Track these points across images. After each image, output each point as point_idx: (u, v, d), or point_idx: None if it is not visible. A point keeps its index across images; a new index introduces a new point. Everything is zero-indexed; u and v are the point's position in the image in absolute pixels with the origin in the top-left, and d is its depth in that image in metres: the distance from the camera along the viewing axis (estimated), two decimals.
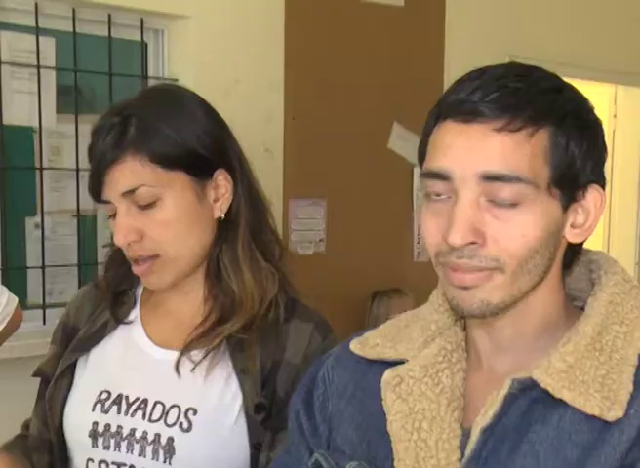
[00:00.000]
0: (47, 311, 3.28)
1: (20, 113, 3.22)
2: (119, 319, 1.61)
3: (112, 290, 1.63)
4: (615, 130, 5.46)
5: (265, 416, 1.49)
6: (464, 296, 1.07)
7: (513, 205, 1.02)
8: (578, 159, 1.04)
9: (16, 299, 2.35)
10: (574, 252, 1.13)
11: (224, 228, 1.54)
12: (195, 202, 1.49)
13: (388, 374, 1.16)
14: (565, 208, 1.05)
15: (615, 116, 5.54)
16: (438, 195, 1.06)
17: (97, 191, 1.47)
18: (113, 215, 1.49)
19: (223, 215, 1.53)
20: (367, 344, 1.22)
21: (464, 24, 4.46)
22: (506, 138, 1.01)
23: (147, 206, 1.45)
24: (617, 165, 5.42)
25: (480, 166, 1.02)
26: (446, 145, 1.05)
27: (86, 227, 3.40)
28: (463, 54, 4.33)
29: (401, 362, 1.17)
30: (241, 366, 1.49)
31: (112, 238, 1.54)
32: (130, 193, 1.44)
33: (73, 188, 3.32)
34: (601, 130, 1.09)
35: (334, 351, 1.29)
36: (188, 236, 1.49)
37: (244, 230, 1.54)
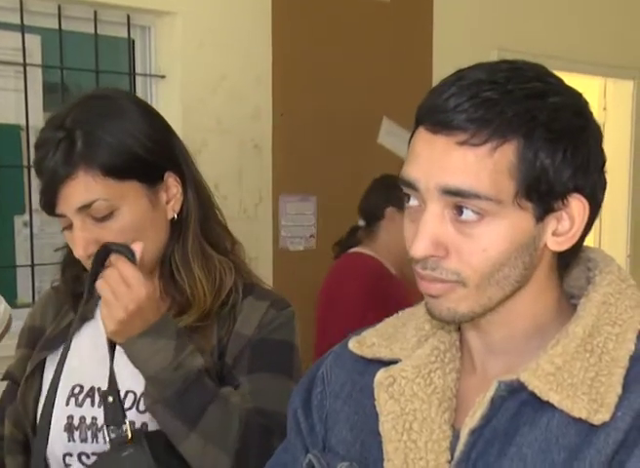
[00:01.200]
0: None
1: (6, 111, 3.22)
2: (84, 318, 1.62)
3: (71, 291, 1.64)
4: (605, 122, 5.46)
5: (217, 383, 1.52)
6: (433, 303, 1.07)
7: (476, 219, 1.01)
8: (550, 169, 1.00)
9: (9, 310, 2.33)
10: (572, 252, 1.10)
11: (176, 228, 1.57)
12: (149, 208, 1.52)
13: (381, 375, 1.15)
14: (540, 218, 1.03)
15: (605, 109, 5.56)
16: (412, 201, 1.06)
17: (50, 206, 1.48)
18: (67, 227, 1.50)
19: (176, 216, 1.56)
20: (364, 343, 1.22)
21: (453, 19, 4.46)
22: (469, 153, 0.99)
23: (104, 218, 1.47)
24: (607, 157, 5.42)
25: (440, 179, 1.01)
26: (415, 154, 1.04)
27: None
28: (452, 48, 4.34)
29: (396, 361, 1.16)
30: (197, 345, 1.52)
31: (67, 246, 1.58)
32: (85, 208, 1.46)
33: None
34: (589, 134, 1.05)
35: (334, 350, 1.28)
36: (146, 242, 1.51)
37: (195, 228, 1.57)
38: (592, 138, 1.05)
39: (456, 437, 1.08)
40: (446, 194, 1.01)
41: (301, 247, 4.00)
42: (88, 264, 1.51)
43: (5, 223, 3.28)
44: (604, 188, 1.09)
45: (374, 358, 1.20)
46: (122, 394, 1.54)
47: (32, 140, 3.24)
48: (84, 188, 1.45)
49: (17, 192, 3.29)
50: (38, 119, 3.28)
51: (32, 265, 3.30)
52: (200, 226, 1.58)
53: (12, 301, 3.28)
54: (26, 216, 3.30)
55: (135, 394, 1.54)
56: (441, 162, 1.01)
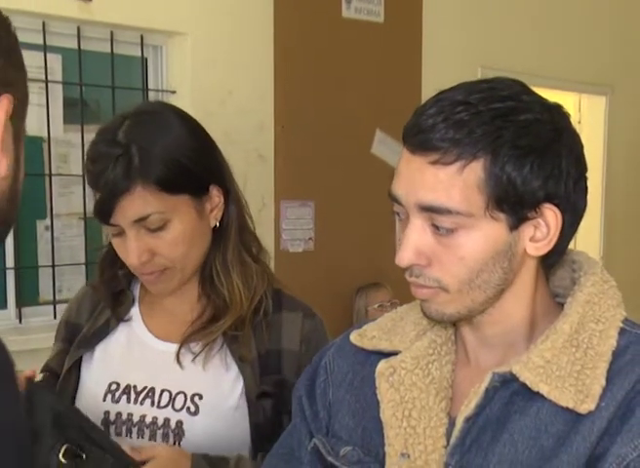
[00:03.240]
0: (57, 306, 3.28)
1: (30, 124, 3.15)
2: (120, 317, 1.61)
3: (110, 291, 1.63)
4: (579, 134, 5.47)
5: (275, 402, 1.52)
6: (424, 305, 1.10)
7: (452, 231, 1.02)
8: (518, 182, 1.00)
9: None
10: (556, 255, 1.10)
11: (217, 236, 1.55)
12: (197, 218, 1.50)
13: (382, 365, 1.16)
14: (514, 227, 1.03)
15: (579, 122, 5.56)
16: (402, 214, 1.07)
17: (106, 216, 1.46)
18: (118, 235, 1.49)
19: (218, 224, 1.55)
20: (365, 336, 1.22)
21: (440, 39, 4.46)
22: (440, 172, 1.00)
23: (157, 229, 1.46)
24: None
25: (416, 197, 1.02)
26: (398, 172, 1.06)
27: (92, 229, 3.39)
28: (439, 65, 4.35)
29: (395, 353, 1.17)
30: (238, 354, 1.52)
31: (106, 247, 1.59)
32: (141, 220, 1.45)
33: (80, 193, 3.32)
34: (561, 145, 1.03)
35: (336, 342, 1.29)
36: (193, 249, 1.51)
37: (235, 237, 1.56)
38: (565, 149, 1.04)
39: (451, 424, 1.09)
40: (422, 210, 1.02)
41: (301, 249, 4.00)
42: (138, 271, 1.51)
43: (28, 227, 3.28)
44: (584, 194, 1.08)
45: (374, 350, 1.20)
46: (157, 392, 1.53)
47: (53, 151, 3.26)
48: (142, 202, 1.44)
49: (39, 198, 3.28)
50: (59, 131, 3.30)
51: (53, 266, 3.30)
52: (239, 236, 1.57)
53: (34, 299, 3.29)
54: (48, 221, 3.30)
55: (170, 392, 1.53)
56: (417, 180, 1.02)
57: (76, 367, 1.61)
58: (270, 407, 1.52)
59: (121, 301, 1.63)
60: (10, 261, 3.20)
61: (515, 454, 1.03)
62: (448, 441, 1.08)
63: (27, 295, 3.26)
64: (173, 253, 1.48)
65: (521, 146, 1.00)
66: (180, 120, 1.52)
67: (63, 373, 1.60)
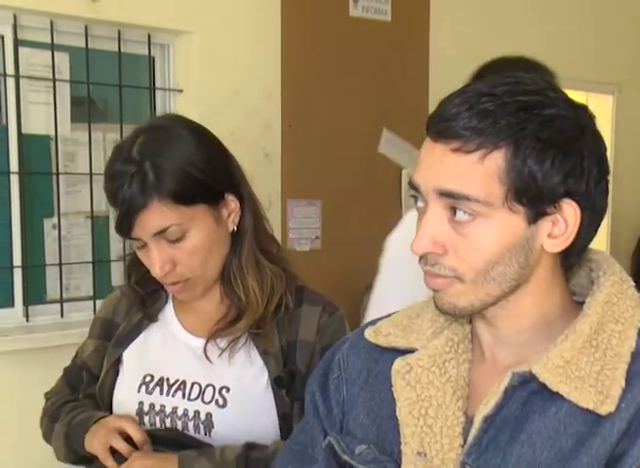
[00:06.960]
0: (64, 305, 3.28)
1: (37, 123, 3.22)
2: (153, 317, 1.69)
3: (140, 293, 1.69)
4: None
5: (287, 390, 1.58)
6: (436, 297, 1.09)
7: (469, 220, 1.02)
8: (539, 176, 1.00)
9: None
10: (576, 255, 1.10)
11: (235, 239, 1.61)
12: (214, 225, 1.56)
13: (398, 363, 1.15)
14: (532, 221, 1.03)
15: None
16: (419, 202, 1.07)
17: (127, 231, 1.53)
18: (141, 247, 1.56)
19: (236, 228, 1.60)
20: (380, 332, 1.22)
21: (447, 37, 4.45)
22: (461, 159, 1.00)
23: (177, 239, 1.52)
24: None
25: (436, 182, 1.02)
26: (420, 160, 1.06)
27: (99, 227, 3.39)
28: (447, 64, 4.33)
29: (411, 350, 1.17)
30: (263, 348, 1.58)
31: (132, 254, 1.66)
32: (161, 233, 1.51)
33: (87, 191, 3.32)
34: (583, 144, 1.03)
35: (349, 337, 1.28)
36: (213, 256, 1.57)
37: (250, 241, 1.61)
38: (587, 148, 1.03)
39: (468, 423, 1.09)
40: (441, 196, 1.02)
41: (307, 247, 4.00)
42: (163, 280, 1.57)
43: (35, 225, 3.28)
44: (605, 196, 1.07)
45: (389, 346, 1.19)
46: (188, 385, 1.59)
47: (61, 149, 3.26)
48: (159, 216, 1.49)
49: (46, 197, 3.28)
50: (66, 130, 3.30)
51: (60, 264, 3.30)
52: (255, 237, 1.62)
53: (41, 298, 3.30)
54: (55, 219, 3.29)
55: (200, 385, 1.59)
56: (438, 167, 1.03)
57: (114, 365, 1.68)
58: (286, 395, 1.58)
59: (154, 299, 1.70)
60: (17, 260, 3.20)
61: (533, 455, 1.02)
62: (464, 440, 1.08)
63: (34, 294, 3.26)
64: (192, 261, 1.54)
65: (543, 139, 1.00)
66: (190, 132, 1.56)
67: (105, 371, 1.67)
